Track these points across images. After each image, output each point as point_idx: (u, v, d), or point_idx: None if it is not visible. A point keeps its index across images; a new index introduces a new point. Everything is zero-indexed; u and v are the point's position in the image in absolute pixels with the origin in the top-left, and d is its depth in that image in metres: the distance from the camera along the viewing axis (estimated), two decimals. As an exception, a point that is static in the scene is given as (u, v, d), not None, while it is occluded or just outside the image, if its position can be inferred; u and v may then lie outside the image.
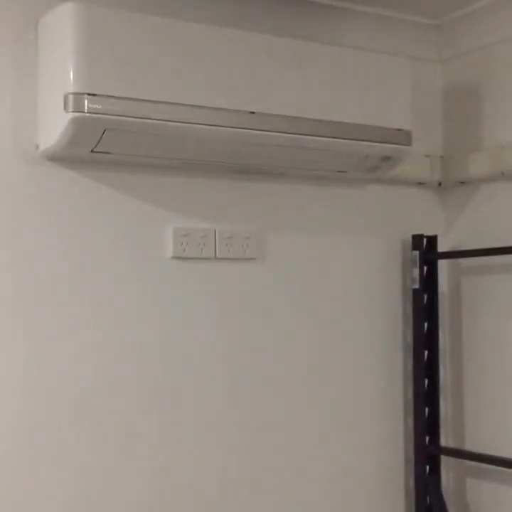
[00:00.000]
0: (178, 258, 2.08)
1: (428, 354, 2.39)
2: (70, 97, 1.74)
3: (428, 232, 2.42)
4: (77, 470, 1.94)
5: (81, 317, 1.96)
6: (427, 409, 2.38)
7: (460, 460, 2.44)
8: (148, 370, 2.04)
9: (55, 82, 1.79)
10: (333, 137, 2.05)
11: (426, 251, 2.39)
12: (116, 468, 1.99)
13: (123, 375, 2.00)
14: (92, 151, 1.86)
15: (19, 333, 1.89)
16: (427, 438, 2.38)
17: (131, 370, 2.01)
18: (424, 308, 2.39)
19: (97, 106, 1.75)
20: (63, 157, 1.91)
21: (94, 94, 1.75)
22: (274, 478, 2.21)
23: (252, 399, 2.18)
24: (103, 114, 1.76)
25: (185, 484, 2.08)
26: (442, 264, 2.46)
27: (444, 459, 2.42)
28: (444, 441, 2.44)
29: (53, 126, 1.80)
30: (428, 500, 2.36)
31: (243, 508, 2.17)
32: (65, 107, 1.75)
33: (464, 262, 2.44)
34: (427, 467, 2.37)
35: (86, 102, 1.74)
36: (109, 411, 1.98)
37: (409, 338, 2.41)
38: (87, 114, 1.75)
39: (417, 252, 2.38)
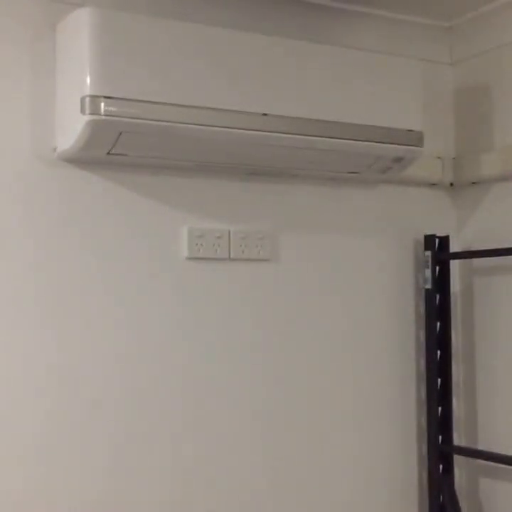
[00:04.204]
0: (193, 258, 2.10)
1: (441, 354, 2.40)
2: (87, 99, 1.76)
3: (440, 232, 2.43)
4: (93, 469, 1.96)
5: (96, 317, 1.98)
6: (440, 409, 2.38)
7: (473, 459, 2.44)
8: (162, 370, 2.05)
9: (73, 85, 1.82)
10: (345, 139, 2.06)
11: (438, 251, 2.40)
12: (133, 467, 2.01)
13: (138, 374, 2.02)
14: (108, 153, 1.89)
15: (36, 332, 1.91)
16: (440, 437, 2.38)
17: (146, 369, 2.03)
18: (437, 308, 2.40)
19: (113, 109, 1.78)
20: (80, 159, 1.93)
21: (110, 97, 1.77)
22: (288, 476, 2.22)
23: (266, 399, 2.19)
24: (119, 116, 1.78)
25: (202, 483, 2.10)
26: (454, 265, 2.47)
27: (457, 458, 2.42)
28: (457, 440, 2.45)
29: (70, 128, 1.83)
30: (441, 499, 2.37)
31: (257, 505, 2.18)
32: (82, 110, 1.77)
33: (476, 262, 2.45)
34: (440, 466, 2.38)
35: (102, 104, 1.77)
36: (125, 410, 2.00)
37: (422, 338, 2.42)
38: (104, 117, 1.77)
39: (429, 253, 2.40)
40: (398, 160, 2.18)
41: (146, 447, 2.03)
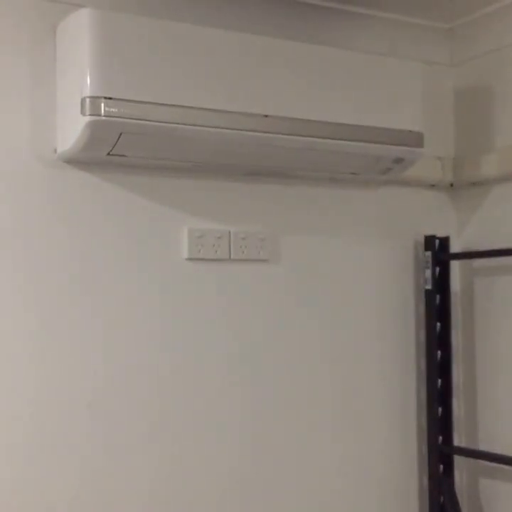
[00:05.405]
0: (193, 259, 2.10)
1: (441, 354, 2.40)
2: (87, 100, 1.77)
3: (440, 233, 2.43)
4: (86, 468, 1.96)
5: (95, 318, 1.98)
6: (440, 409, 2.38)
7: (473, 460, 2.45)
8: (162, 370, 2.06)
9: (73, 86, 1.82)
10: (345, 139, 2.06)
11: (438, 252, 2.40)
12: (126, 466, 2.01)
13: (136, 375, 2.02)
14: (108, 153, 1.89)
15: (32, 332, 1.91)
16: (441, 438, 2.38)
17: (144, 370, 2.03)
18: (437, 309, 2.40)
19: (114, 109, 1.78)
20: (80, 160, 1.94)
21: (110, 98, 1.77)
22: (287, 477, 2.22)
23: (265, 399, 2.19)
24: (119, 117, 1.78)
25: (194, 483, 2.10)
26: (454, 265, 2.47)
27: (457, 459, 2.42)
28: (457, 440, 2.45)
29: (71, 129, 1.83)
30: (441, 500, 2.37)
31: (255, 505, 2.18)
32: (82, 111, 1.77)
33: (476, 262, 2.45)
34: (441, 467, 2.38)
35: (102, 105, 1.77)
36: (121, 411, 2.00)
37: (422, 339, 2.43)
38: (104, 118, 1.77)
39: (429, 253, 2.40)
40: (398, 161, 2.18)
41: (145, 448, 2.03)
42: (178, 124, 1.86)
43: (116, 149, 1.87)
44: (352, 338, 2.33)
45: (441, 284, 2.41)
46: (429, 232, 2.43)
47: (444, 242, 2.42)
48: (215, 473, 2.12)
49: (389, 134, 2.12)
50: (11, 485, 1.88)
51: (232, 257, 2.15)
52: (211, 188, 2.14)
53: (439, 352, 2.39)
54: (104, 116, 1.77)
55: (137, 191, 2.04)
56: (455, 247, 2.47)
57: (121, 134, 1.83)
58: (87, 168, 1.97)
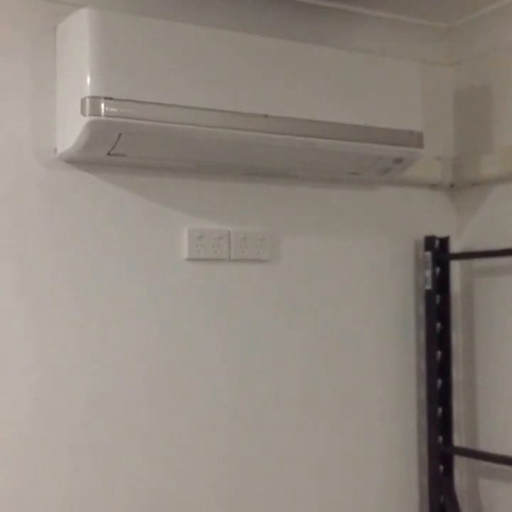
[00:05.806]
0: (193, 259, 2.10)
1: (441, 354, 2.40)
2: (87, 100, 1.77)
3: (440, 233, 2.43)
4: (84, 468, 1.96)
5: (94, 318, 1.98)
6: (440, 410, 2.38)
7: (473, 460, 2.44)
8: (160, 371, 2.06)
9: (73, 86, 1.82)
10: (345, 140, 2.06)
11: (438, 252, 2.40)
12: (125, 466, 2.01)
13: (135, 375, 2.02)
14: (108, 153, 1.89)
15: (31, 332, 1.91)
16: (441, 438, 2.38)
17: (143, 370, 2.03)
18: (437, 309, 2.40)
19: (114, 109, 1.78)
20: (80, 160, 1.94)
21: (110, 98, 1.78)
22: (287, 478, 2.22)
23: (264, 399, 2.19)
24: (119, 117, 1.79)
25: (194, 482, 2.10)
26: (454, 265, 2.47)
27: (457, 459, 2.42)
28: (458, 441, 2.44)
29: (71, 129, 1.83)
30: (441, 500, 2.37)
31: (255, 506, 2.18)
32: (82, 111, 1.78)
33: (476, 262, 2.45)
34: (441, 467, 2.38)
35: (102, 105, 1.77)
36: (120, 411, 2.00)
37: (422, 339, 2.42)
38: (104, 118, 1.78)
39: (429, 253, 2.40)
40: (398, 161, 2.18)
41: (143, 448, 2.03)
42: (178, 124, 1.86)
43: (116, 149, 1.88)
44: (352, 338, 2.33)
45: (441, 284, 2.41)
46: (429, 233, 2.43)
47: (444, 242, 2.42)
48: (215, 473, 2.12)
49: (389, 134, 2.12)
50: (9, 485, 1.88)
51: (232, 257, 2.15)
52: (211, 188, 2.14)
53: (439, 352, 2.39)
54: (104, 116, 1.77)
55: (137, 191, 2.04)
56: (455, 247, 2.47)
57: (121, 134, 1.83)
58: (87, 168, 1.97)
